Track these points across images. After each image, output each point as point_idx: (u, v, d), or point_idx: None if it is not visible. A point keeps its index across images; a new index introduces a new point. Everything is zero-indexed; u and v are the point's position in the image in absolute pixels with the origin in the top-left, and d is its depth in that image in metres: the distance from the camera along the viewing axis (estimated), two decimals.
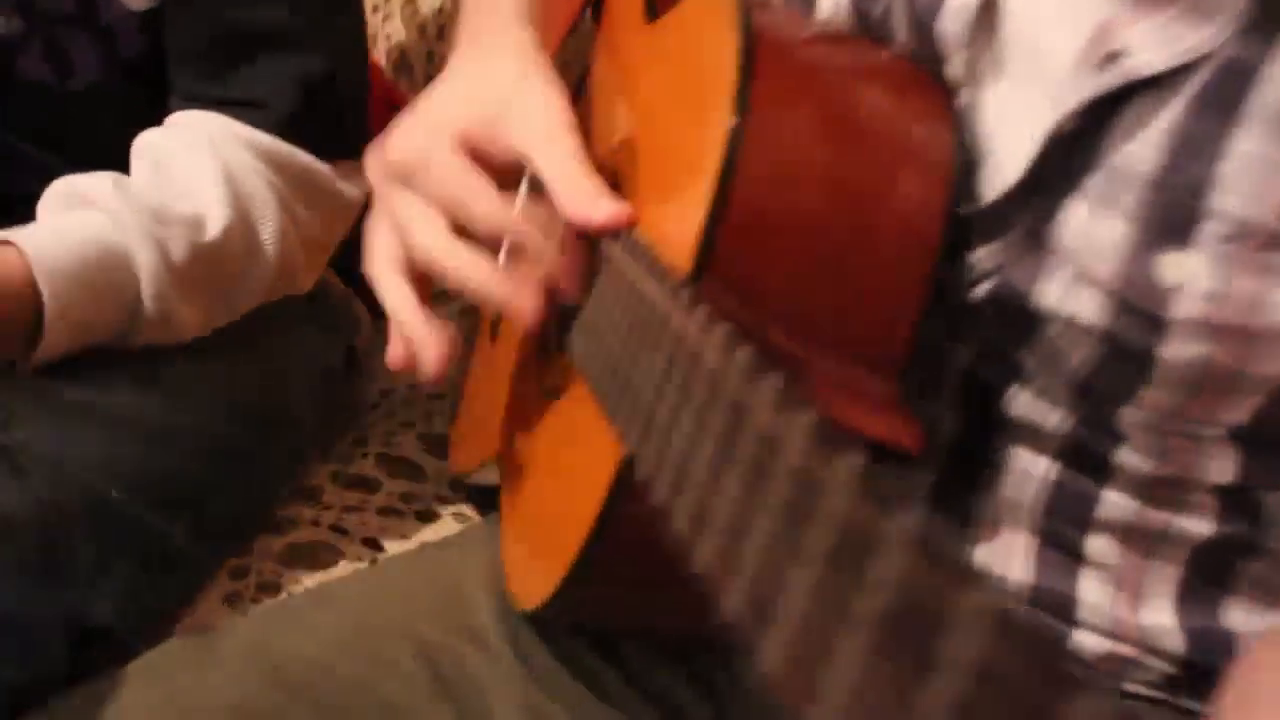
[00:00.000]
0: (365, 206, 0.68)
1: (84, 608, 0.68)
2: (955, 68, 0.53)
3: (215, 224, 0.75)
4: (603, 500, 0.47)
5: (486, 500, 0.86)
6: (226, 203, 0.76)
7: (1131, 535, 0.54)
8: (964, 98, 0.53)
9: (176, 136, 0.79)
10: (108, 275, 0.72)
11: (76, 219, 0.73)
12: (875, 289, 0.47)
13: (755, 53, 0.47)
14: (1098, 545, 0.55)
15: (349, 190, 0.83)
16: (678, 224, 0.48)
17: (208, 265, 0.76)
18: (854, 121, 0.50)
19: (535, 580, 0.55)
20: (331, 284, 0.91)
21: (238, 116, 0.79)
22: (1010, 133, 0.50)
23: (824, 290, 0.47)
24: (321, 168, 0.82)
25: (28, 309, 0.70)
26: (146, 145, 0.79)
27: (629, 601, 0.55)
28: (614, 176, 0.60)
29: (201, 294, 0.77)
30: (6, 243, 0.70)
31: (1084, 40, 0.48)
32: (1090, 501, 0.54)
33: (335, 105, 0.83)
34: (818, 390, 0.46)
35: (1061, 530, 0.55)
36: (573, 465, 0.54)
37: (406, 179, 0.59)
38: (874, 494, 0.27)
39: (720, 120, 0.47)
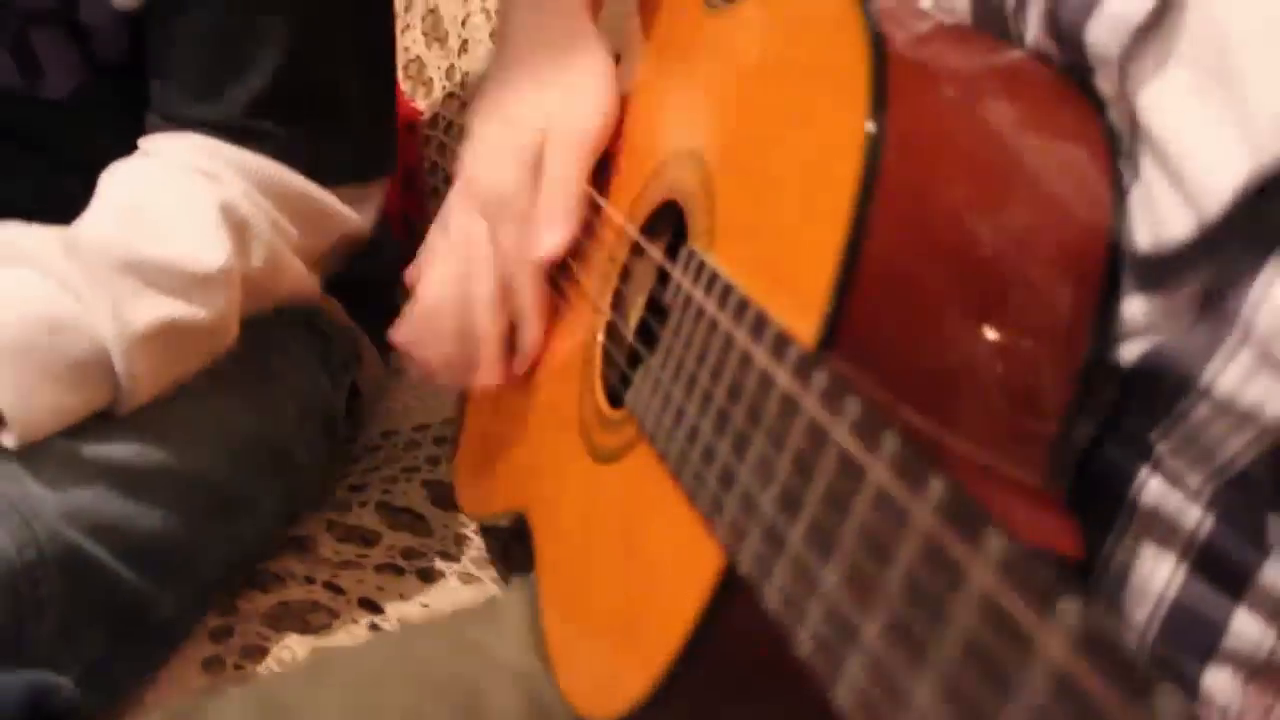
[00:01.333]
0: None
1: (46, 688, 0.59)
2: (1105, 81, 0.45)
3: (213, 264, 0.67)
4: (704, 601, 0.39)
5: (500, 544, 0.78)
6: (225, 243, 0.68)
7: (1262, 674, 0.46)
8: (1114, 116, 0.45)
9: (159, 168, 0.70)
10: (63, 353, 0.64)
11: (14, 291, 0.64)
12: (1030, 356, 0.39)
13: (886, 50, 0.39)
14: (1219, 681, 0.47)
15: (353, 218, 0.75)
16: (791, 265, 0.40)
17: (189, 319, 0.67)
18: (1002, 146, 0.41)
19: (608, 687, 0.46)
20: (338, 318, 0.83)
21: (228, 139, 0.71)
22: (1193, 170, 0.42)
23: (970, 356, 0.39)
24: (323, 196, 0.74)
25: None
26: (118, 182, 0.70)
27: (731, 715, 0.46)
28: (674, 194, 0.52)
29: (179, 349, 0.68)
30: None
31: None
32: (1219, 627, 0.46)
33: (341, 127, 0.75)
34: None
35: (1177, 658, 0.47)
36: (653, 552, 0.45)
37: (495, 214, 0.60)
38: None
39: (849, 129, 0.39)
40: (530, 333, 0.62)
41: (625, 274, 0.57)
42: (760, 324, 0.39)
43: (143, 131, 0.72)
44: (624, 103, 0.62)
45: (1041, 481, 0.42)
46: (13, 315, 0.63)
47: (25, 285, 0.64)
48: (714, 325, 0.42)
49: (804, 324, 0.38)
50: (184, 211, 0.68)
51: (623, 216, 0.57)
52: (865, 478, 0.31)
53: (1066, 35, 0.46)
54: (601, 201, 0.60)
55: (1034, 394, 0.40)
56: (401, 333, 0.67)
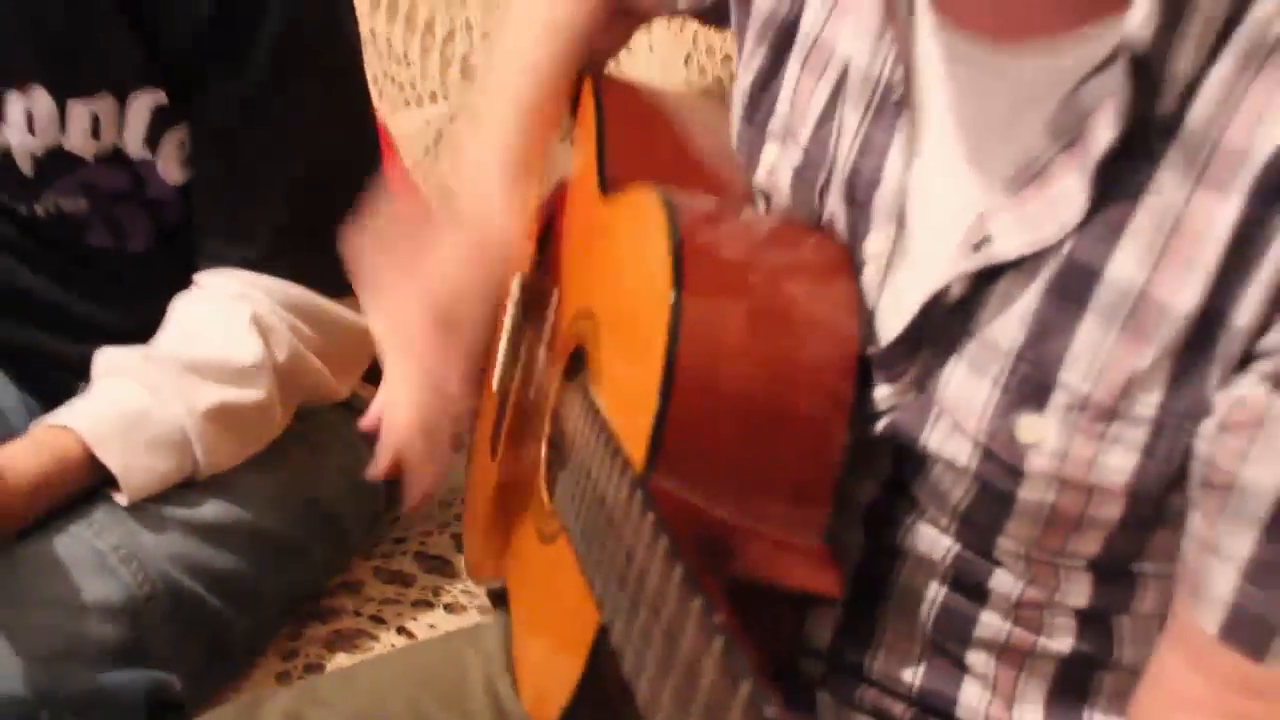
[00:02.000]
0: None
1: (161, 684, 0.83)
2: (877, 241, 0.64)
3: (249, 358, 0.91)
4: (585, 659, 0.59)
5: (493, 595, 0.99)
6: (257, 344, 0.91)
7: (1005, 652, 0.65)
8: (878, 261, 0.64)
9: (208, 298, 0.94)
10: (153, 433, 0.88)
11: (114, 393, 0.89)
12: (799, 461, 0.59)
13: (683, 254, 0.60)
14: (977, 659, 0.66)
15: (361, 320, 0.97)
16: (633, 409, 0.60)
17: (240, 401, 0.91)
18: (773, 304, 0.61)
19: (541, 706, 0.67)
20: (366, 397, 1.06)
21: (256, 269, 0.94)
22: (905, 294, 0.61)
23: (756, 468, 0.58)
24: (332, 306, 0.97)
25: (94, 477, 0.87)
26: (179, 309, 0.94)
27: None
28: (580, 341, 0.73)
29: (238, 425, 0.92)
30: (65, 428, 0.86)
31: (965, 227, 0.59)
32: (970, 622, 0.66)
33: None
34: (755, 555, 0.58)
35: (947, 645, 0.66)
36: (562, 617, 0.65)
37: (446, 320, 0.74)
38: None
39: (661, 312, 0.58)
40: None
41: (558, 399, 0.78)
42: (615, 450, 0.58)
43: (196, 269, 0.97)
44: (563, 219, 0.82)
45: (819, 542, 0.61)
46: (115, 411, 0.87)
47: (121, 389, 0.89)
48: (590, 447, 0.63)
49: (637, 451, 0.57)
50: (225, 324, 0.92)
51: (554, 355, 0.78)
52: (664, 607, 0.50)
53: (858, 205, 0.66)
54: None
55: (804, 487, 0.59)
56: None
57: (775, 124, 0.70)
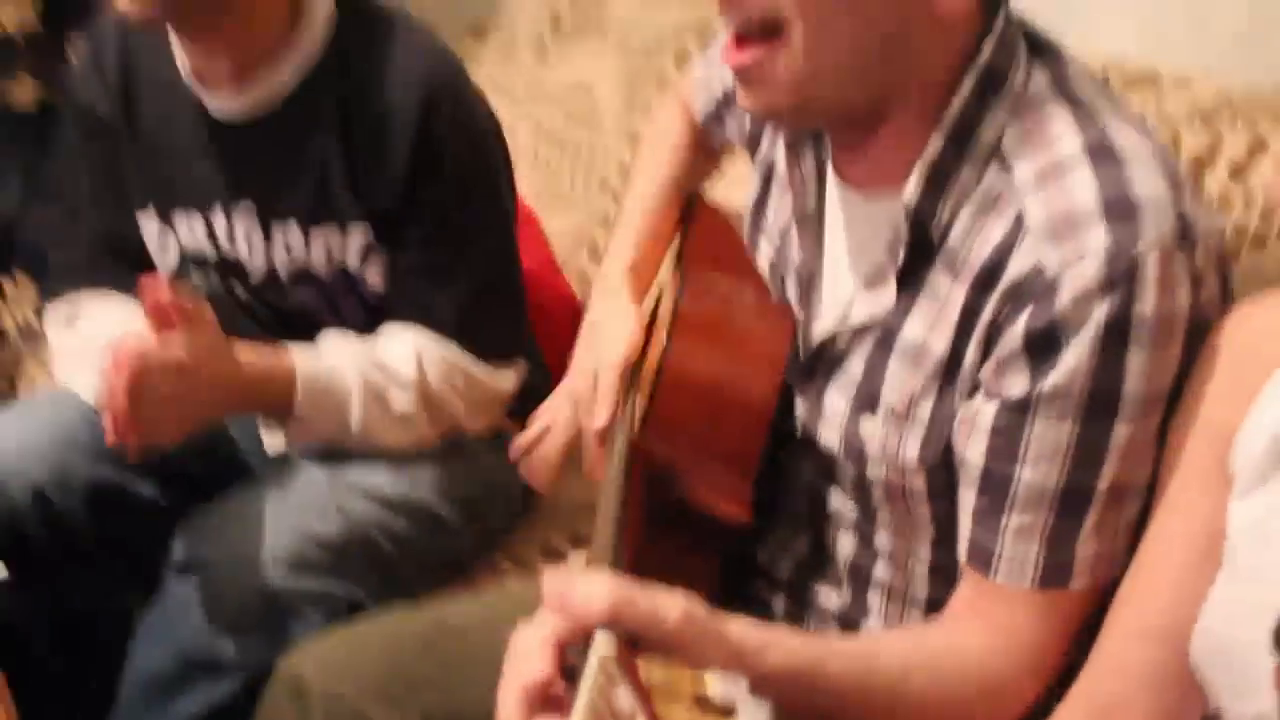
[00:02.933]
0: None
1: (355, 596, 1.24)
2: (801, 310, 1.00)
3: (407, 375, 1.27)
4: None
5: None
6: (415, 369, 1.27)
7: (890, 591, 0.99)
8: (801, 321, 0.99)
9: (391, 333, 1.31)
10: (334, 394, 1.25)
11: (330, 357, 1.25)
12: (740, 424, 0.94)
13: (679, 312, 0.98)
14: (874, 596, 1.00)
15: (500, 381, 1.34)
16: (641, 398, 0.98)
17: (391, 398, 1.27)
18: (737, 336, 0.99)
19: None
20: (514, 431, 1.46)
21: (426, 327, 1.30)
22: (811, 341, 0.97)
23: (711, 425, 0.94)
24: (479, 368, 1.32)
25: (289, 401, 1.23)
26: (371, 340, 1.31)
27: None
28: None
29: (386, 416, 1.27)
30: (286, 355, 1.23)
31: (842, 304, 0.95)
32: (869, 567, 0.99)
33: (491, 323, 1.34)
34: (697, 486, 0.93)
35: (857, 582, 1.01)
36: None
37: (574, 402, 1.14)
38: None
39: (664, 341, 0.97)
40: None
41: None
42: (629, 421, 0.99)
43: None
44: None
45: (747, 485, 0.95)
46: (316, 367, 1.24)
47: (327, 355, 1.26)
48: (622, 422, 1.01)
49: (642, 403, 0.97)
50: (399, 349, 1.28)
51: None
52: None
53: (803, 290, 1.01)
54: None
55: (740, 450, 0.94)
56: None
57: (766, 230, 1.08)
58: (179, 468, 1.37)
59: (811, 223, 0.99)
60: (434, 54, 1.30)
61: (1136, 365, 0.80)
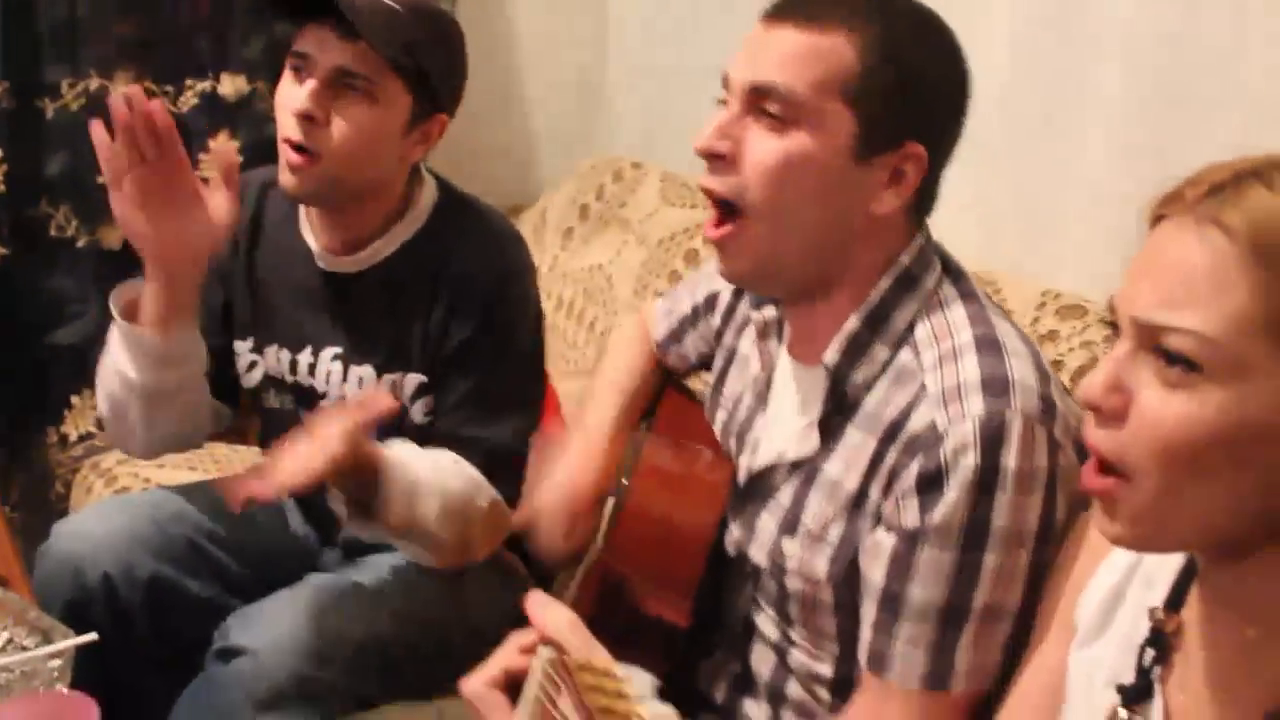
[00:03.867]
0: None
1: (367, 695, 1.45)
2: (744, 456, 1.24)
3: (457, 490, 1.47)
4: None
5: None
6: (462, 487, 1.47)
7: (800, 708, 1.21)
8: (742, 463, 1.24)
9: (442, 455, 1.51)
10: (413, 490, 1.42)
11: (418, 460, 1.41)
12: (681, 553, 1.18)
13: (636, 466, 1.22)
14: (787, 712, 1.22)
15: (513, 517, 1.55)
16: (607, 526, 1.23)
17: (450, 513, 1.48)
18: (684, 484, 1.22)
19: None
20: (513, 563, 1.67)
21: (463, 454, 1.52)
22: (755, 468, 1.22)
23: (658, 553, 1.17)
24: (500, 501, 1.52)
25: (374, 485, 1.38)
26: (433, 451, 1.53)
27: None
28: None
29: (448, 523, 1.46)
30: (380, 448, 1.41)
31: (777, 449, 1.20)
32: (782, 683, 1.21)
33: (516, 465, 1.52)
34: (646, 598, 1.17)
35: (776, 696, 1.22)
36: None
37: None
38: None
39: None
40: None
41: None
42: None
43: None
44: None
45: (687, 601, 1.19)
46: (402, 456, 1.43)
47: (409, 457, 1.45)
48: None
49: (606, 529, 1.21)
50: (455, 471, 1.48)
51: None
52: None
53: (745, 437, 1.26)
54: None
55: (681, 571, 1.18)
56: None
57: (722, 401, 1.33)
58: (230, 571, 1.61)
59: (761, 385, 1.24)
60: (510, 242, 1.58)
61: (1002, 506, 1.03)
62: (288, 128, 1.46)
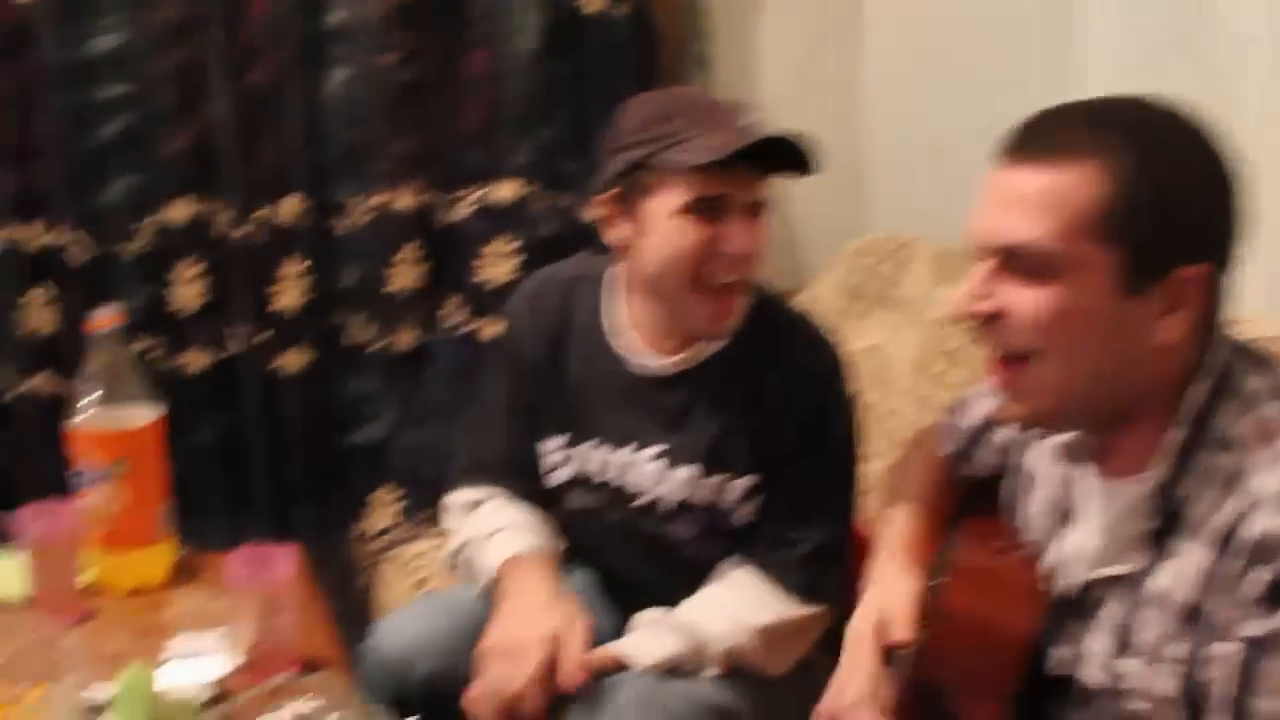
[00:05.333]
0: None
1: None
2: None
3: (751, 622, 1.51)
4: None
5: None
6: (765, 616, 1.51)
7: None
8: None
9: (740, 579, 1.55)
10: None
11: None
12: (999, 653, 1.16)
13: (951, 568, 1.22)
14: None
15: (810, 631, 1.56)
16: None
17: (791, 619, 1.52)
18: (1001, 585, 1.22)
19: None
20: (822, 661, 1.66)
21: (771, 571, 1.54)
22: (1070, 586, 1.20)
23: (975, 655, 1.16)
24: (800, 612, 1.54)
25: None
26: (728, 577, 1.57)
27: None
28: None
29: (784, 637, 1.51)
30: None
31: (1089, 564, 1.17)
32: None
33: (834, 564, 1.55)
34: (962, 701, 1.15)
35: None
36: None
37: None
38: None
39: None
40: None
41: None
42: None
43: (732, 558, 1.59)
44: None
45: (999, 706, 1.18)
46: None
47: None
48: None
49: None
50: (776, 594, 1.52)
51: None
52: None
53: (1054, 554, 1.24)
54: None
55: (996, 677, 1.17)
56: None
57: (1022, 518, 1.31)
58: None
59: (1063, 504, 1.23)
60: (829, 341, 1.60)
61: None
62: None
